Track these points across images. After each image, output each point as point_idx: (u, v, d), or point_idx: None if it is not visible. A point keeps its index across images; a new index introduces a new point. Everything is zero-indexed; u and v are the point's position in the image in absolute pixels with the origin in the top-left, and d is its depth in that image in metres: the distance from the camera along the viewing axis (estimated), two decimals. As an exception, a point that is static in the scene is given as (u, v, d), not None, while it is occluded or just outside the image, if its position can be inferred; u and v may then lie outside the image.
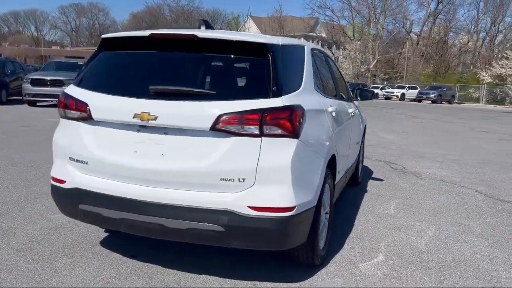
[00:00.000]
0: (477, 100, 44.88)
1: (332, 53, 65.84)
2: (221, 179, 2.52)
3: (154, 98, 2.59)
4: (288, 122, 2.49)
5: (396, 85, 45.68)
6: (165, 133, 2.61)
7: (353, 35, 58.61)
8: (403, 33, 61.51)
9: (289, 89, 2.66)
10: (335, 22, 62.11)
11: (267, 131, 2.47)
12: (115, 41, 3.02)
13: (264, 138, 2.48)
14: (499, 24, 57.45)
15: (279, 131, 2.49)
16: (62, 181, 2.92)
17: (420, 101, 39.80)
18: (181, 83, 2.71)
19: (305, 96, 2.81)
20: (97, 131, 2.79)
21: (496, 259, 3.54)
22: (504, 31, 57.27)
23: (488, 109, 34.28)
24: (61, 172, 2.94)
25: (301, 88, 2.82)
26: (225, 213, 2.51)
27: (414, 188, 5.89)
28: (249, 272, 3.07)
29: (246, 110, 2.47)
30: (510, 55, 45.52)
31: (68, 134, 2.90)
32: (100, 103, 2.74)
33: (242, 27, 67.98)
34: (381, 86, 45.36)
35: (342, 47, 62.61)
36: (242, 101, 2.50)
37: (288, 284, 2.93)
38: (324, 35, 67.79)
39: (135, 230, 2.77)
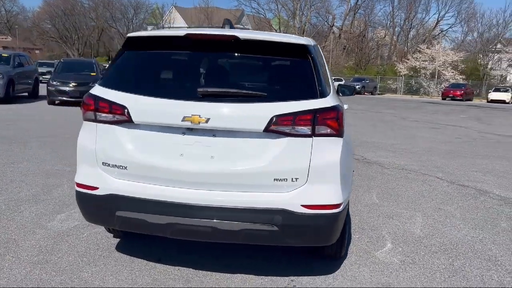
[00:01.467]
0: (395, 91, 48.05)
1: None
2: (274, 179, 2.56)
3: (203, 101, 2.56)
4: (336, 122, 2.59)
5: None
6: (214, 135, 2.59)
7: (279, 28, 59.74)
8: (327, 27, 63.79)
9: (328, 89, 2.76)
10: (261, 15, 62.91)
11: (319, 131, 2.56)
12: (144, 40, 2.90)
13: (315, 138, 2.56)
14: (412, 19, 61.59)
15: (328, 131, 2.58)
16: (93, 188, 2.78)
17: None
18: (227, 85, 2.69)
19: (335, 95, 2.92)
20: (137, 135, 2.69)
21: (485, 240, 3.93)
22: (416, 26, 61.55)
23: (407, 99, 36.84)
24: (91, 178, 2.79)
25: (332, 87, 2.93)
26: (280, 213, 2.56)
27: (384, 177, 6.27)
28: (281, 268, 3.15)
29: (300, 111, 2.53)
30: (422, 49, 49.21)
31: (100, 138, 2.75)
32: (142, 106, 2.64)
33: (166, 18, 66.41)
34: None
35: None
36: (295, 102, 2.55)
37: (322, 277, 3.05)
38: (249, 27, 68.34)
39: (184, 235, 2.72)
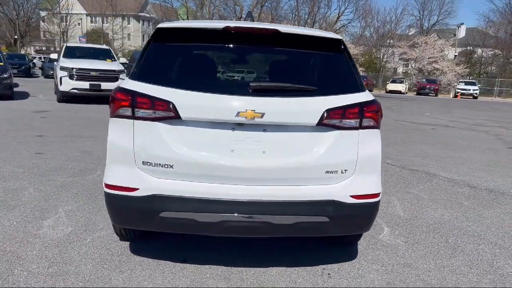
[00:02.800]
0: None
1: (167, 36, 64.97)
2: (326, 171, 2.63)
3: (255, 95, 2.52)
4: (377, 115, 2.72)
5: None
6: (264, 130, 2.57)
7: (187, 18, 58.78)
8: (235, 18, 64.17)
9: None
10: (168, 4, 61.26)
11: (364, 123, 2.67)
12: (178, 32, 2.76)
13: (361, 131, 2.67)
14: (315, 14, 64.46)
15: (371, 123, 2.71)
16: (132, 189, 2.60)
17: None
18: (275, 79, 2.68)
19: None
20: (184, 131, 2.56)
21: (459, 217, 4.39)
22: (319, 20, 64.51)
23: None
24: (128, 179, 2.60)
25: None
26: (331, 204, 2.63)
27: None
28: (311, 258, 3.22)
29: (348, 104, 2.61)
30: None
31: (139, 136, 2.57)
32: (191, 101, 2.51)
33: (64, 3, 61.71)
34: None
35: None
36: (342, 95, 2.63)
37: (349, 263, 3.19)
38: (155, 15, 66.43)
39: (237, 232, 2.67)
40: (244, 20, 3.30)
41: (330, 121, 2.58)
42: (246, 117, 2.48)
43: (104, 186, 2.71)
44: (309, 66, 2.84)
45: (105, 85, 13.43)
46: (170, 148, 2.55)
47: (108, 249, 3.21)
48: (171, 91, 2.52)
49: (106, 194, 2.69)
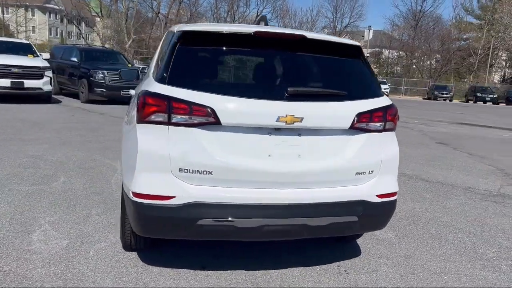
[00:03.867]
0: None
1: (80, 30, 61.59)
2: (356, 173, 2.74)
3: (292, 100, 2.55)
4: (395, 118, 2.89)
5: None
6: (299, 134, 2.62)
7: (100, 11, 56.01)
8: (152, 13, 62.42)
9: None
10: (77, -4, 57.84)
11: (386, 126, 2.82)
12: (206, 35, 2.68)
13: (384, 133, 2.83)
14: (234, 12, 64.88)
15: (392, 126, 2.87)
16: (168, 197, 2.50)
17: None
18: (307, 84, 2.72)
19: None
20: (223, 137, 2.51)
21: (429, 209, 4.77)
22: (239, 19, 65.01)
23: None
24: (163, 187, 2.50)
25: None
26: (361, 204, 2.75)
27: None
28: (324, 256, 3.33)
29: (375, 108, 2.75)
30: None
31: (176, 142, 2.48)
32: (231, 106, 2.47)
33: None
34: (141, 67, 45.25)
35: (92, 24, 59.21)
36: (367, 100, 2.76)
37: (357, 259, 3.35)
38: (63, 8, 62.47)
39: (275, 235, 2.68)
40: (257, 23, 3.30)
41: (360, 124, 2.70)
42: (285, 122, 2.51)
43: (132, 196, 2.57)
44: (334, 71, 2.92)
45: (28, 83, 12.49)
46: (209, 154, 2.49)
47: (117, 261, 3.05)
48: (210, 96, 2.47)
49: (135, 203, 2.55)
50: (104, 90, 14.07)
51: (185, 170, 2.50)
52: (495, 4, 55.15)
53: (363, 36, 59.73)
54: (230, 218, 2.53)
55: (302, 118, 2.53)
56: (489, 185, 6.08)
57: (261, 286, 2.83)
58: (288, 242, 3.44)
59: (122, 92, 14.31)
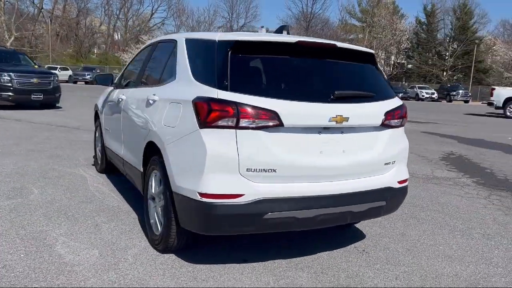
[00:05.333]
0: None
1: None
2: (384, 163, 3.17)
3: (338, 102, 2.89)
4: (407, 115, 3.39)
5: (46, 66, 43.16)
6: (342, 132, 2.97)
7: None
8: (34, 8, 57.68)
9: None
10: None
11: (402, 122, 3.31)
12: (255, 45, 2.90)
13: (400, 128, 3.31)
14: (128, 9, 62.61)
15: (405, 122, 3.36)
16: (236, 195, 2.68)
17: (75, 82, 39.47)
18: (346, 87, 3.05)
19: None
20: (283, 138, 2.75)
21: (416, 196, 5.43)
22: (133, 17, 62.99)
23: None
24: (231, 186, 2.68)
25: None
26: (388, 190, 3.20)
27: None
28: (343, 240, 3.72)
29: (396, 107, 3.21)
30: (144, 40, 51.21)
31: (243, 144, 2.66)
32: (292, 110, 2.72)
33: None
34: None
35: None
36: (389, 100, 3.21)
37: (368, 239, 3.81)
38: None
39: (328, 222, 2.99)
40: (278, 32, 3.56)
41: (387, 121, 3.14)
42: (336, 122, 2.85)
43: (198, 197, 2.71)
44: (360, 75, 3.31)
45: None
46: (273, 154, 2.73)
47: (162, 264, 3.12)
48: (274, 101, 2.70)
49: (203, 203, 2.69)
50: (11, 94, 12.96)
51: (252, 170, 2.71)
52: (373, 8, 60.89)
53: (257, 36, 61.73)
54: (292, 211, 2.80)
55: (348, 118, 2.89)
56: (424, 171, 7.02)
57: (307, 270, 3.13)
58: (305, 232, 3.76)
59: (32, 96, 13.34)
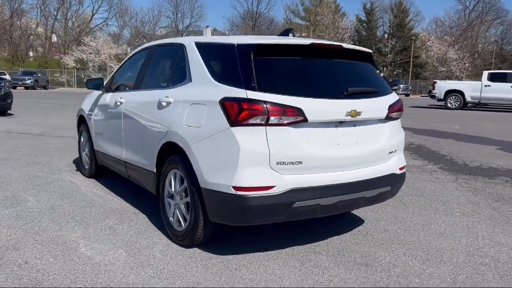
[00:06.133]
0: (63, 84, 46.77)
1: None
2: (389, 152, 3.51)
3: (351, 98, 3.19)
4: (402, 108, 3.75)
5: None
6: (354, 125, 3.27)
7: None
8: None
9: None
10: None
11: (400, 115, 3.66)
12: (274, 48, 3.13)
13: (398, 120, 3.66)
14: (66, 10, 60.15)
15: (401, 115, 3.72)
16: (268, 187, 2.90)
17: (15, 87, 37.48)
18: (353, 84, 3.34)
19: None
20: (307, 132, 3.00)
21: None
22: (72, 18, 60.59)
23: (87, 92, 36.72)
24: (263, 179, 2.89)
25: None
26: (392, 176, 3.54)
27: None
28: (349, 224, 4.04)
29: (395, 101, 3.56)
30: (86, 42, 49.55)
31: (273, 140, 2.88)
32: (314, 106, 2.97)
33: None
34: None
35: None
36: (389, 95, 3.56)
37: (368, 224, 4.15)
38: None
39: (345, 208, 3.29)
40: (284, 34, 3.80)
41: (390, 114, 3.48)
42: (351, 116, 3.15)
43: (233, 190, 2.90)
44: (364, 72, 3.61)
45: None
46: (299, 147, 2.98)
47: (191, 257, 3.27)
48: (299, 99, 2.95)
49: (238, 196, 2.88)
50: None
51: (282, 163, 2.94)
52: (316, 7, 62.59)
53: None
54: (316, 199, 3.06)
55: (360, 112, 3.19)
56: (393, 160, 7.52)
57: (324, 253, 3.41)
58: (313, 220, 4.03)
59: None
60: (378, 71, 3.71)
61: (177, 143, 3.35)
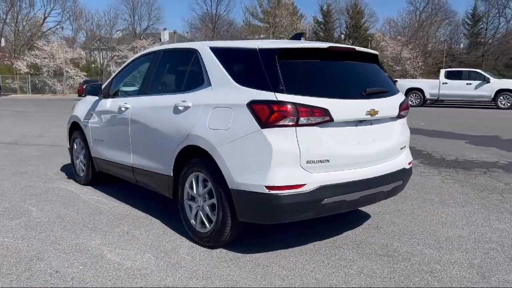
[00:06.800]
0: (16, 90, 44.95)
1: None
2: (400, 148, 3.72)
3: (369, 98, 3.36)
4: (408, 107, 3.97)
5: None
6: (371, 124, 3.44)
7: None
8: None
9: None
10: None
11: (407, 113, 3.88)
12: (296, 52, 3.27)
13: (405, 118, 3.88)
14: (16, 13, 57.61)
15: (408, 113, 3.94)
16: (299, 186, 3.01)
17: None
18: (368, 85, 3.51)
19: None
20: (332, 131, 3.14)
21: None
22: (23, 21, 58.13)
23: (43, 98, 35.57)
24: (294, 178, 3.00)
25: None
26: (403, 171, 3.74)
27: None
28: (356, 220, 4.21)
29: (403, 100, 3.77)
30: (39, 46, 47.77)
31: (303, 139, 3.00)
32: (338, 107, 3.11)
33: None
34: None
35: None
36: (398, 94, 3.76)
37: (376, 217, 4.36)
38: None
39: (366, 203, 3.48)
40: (296, 38, 3.92)
41: (400, 113, 3.68)
42: (370, 115, 3.32)
43: (265, 190, 3.00)
44: (373, 73, 3.78)
45: None
46: (326, 146, 3.12)
47: (220, 258, 3.34)
48: (324, 100, 3.09)
49: (270, 195, 2.98)
50: None
51: (311, 161, 3.07)
52: (274, 9, 63.27)
53: (160, 39, 60.87)
54: (342, 195, 3.21)
55: (378, 111, 3.37)
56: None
57: (345, 247, 3.56)
58: (323, 218, 4.18)
59: None
60: (385, 72, 3.92)
61: (201, 146, 3.40)
